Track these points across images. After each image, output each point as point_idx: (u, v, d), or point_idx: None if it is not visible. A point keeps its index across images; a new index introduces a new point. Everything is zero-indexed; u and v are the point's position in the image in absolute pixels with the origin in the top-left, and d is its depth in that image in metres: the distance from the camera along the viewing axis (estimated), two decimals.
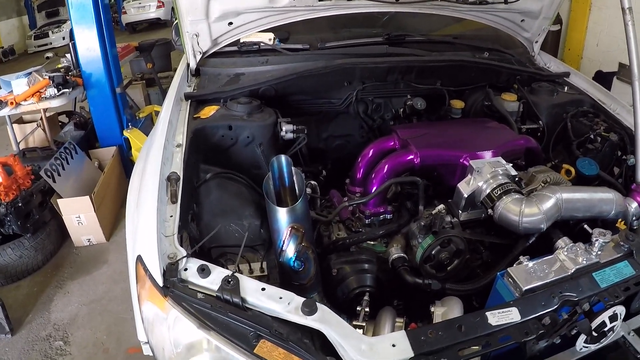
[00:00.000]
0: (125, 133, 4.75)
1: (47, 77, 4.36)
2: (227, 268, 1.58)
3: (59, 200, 4.01)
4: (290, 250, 1.47)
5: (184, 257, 1.40)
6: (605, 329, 1.51)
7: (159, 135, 1.94)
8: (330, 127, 2.79)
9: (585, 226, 1.82)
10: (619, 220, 1.92)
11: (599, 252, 1.59)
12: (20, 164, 3.90)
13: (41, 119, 4.83)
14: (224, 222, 1.99)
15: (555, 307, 1.44)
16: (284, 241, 1.46)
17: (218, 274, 1.36)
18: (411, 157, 2.00)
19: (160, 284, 1.35)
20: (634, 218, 1.93)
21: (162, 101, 6.35)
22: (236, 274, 1.33)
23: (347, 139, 2.81)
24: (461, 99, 2.75)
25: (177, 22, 2.64)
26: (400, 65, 2.59)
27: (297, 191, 1.61)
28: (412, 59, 2.63)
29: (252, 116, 2.23)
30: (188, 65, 2.65)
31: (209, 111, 2.26)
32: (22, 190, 3.85)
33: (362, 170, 2.19)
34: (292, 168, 1.59)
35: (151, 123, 5.74)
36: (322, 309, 1.27)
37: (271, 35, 2.72)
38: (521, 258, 1.61)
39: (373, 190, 1.99)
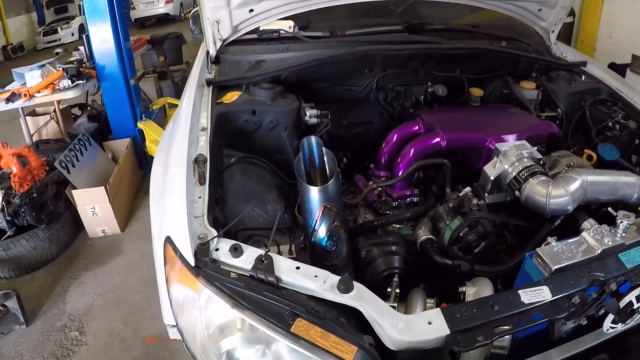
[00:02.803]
0: (139, 125, 4.76)
1: (61, 69, 4.36)
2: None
3: (73, 191, 4.02)
4: (322, 229, 1.46)
5: (215, 237, 1.39)
6: (634, 308, 1.51)
7: (184, 119, 1.94)
8: (351, 115, 2.79)
9: (609, 209, 1.80)
10: None
11: (624, 234, 1.60)
12: (34, 154, 3.91)
13: (54, 111, 4.84)
14: (247, 207, 1.99)
15: (585, 286, 1.44)
16: (316, 221, 1.45)
17: (251, 253, 1.35)
18: (437, 140, 2.00)
19: (192, 264, 1.34)
20: None
21: (175, 94, 6.38)
22: (270, 253, 1.32)
23: (367, 126, 2.81)
24: (480, 87, 2.74)
25: (195, 11, 2.64)
26: (421, 52, 2.59)
27: (327, 172, 1.60)
28: (433, 47, 2.62)
29: (276, 101, 2.23)
30: (208, 53, 2.64)
31: (231, 96, 2.26)
32: (36, 181, 3.86)
33: (386, 154, 2.19)
34: (323, 148, 1.58)
35: (164, 115, 5.77)
36: (358, 287, 1.27)
37: (291, 23, 2.71)
38: (549, 239, 1.62)
39: (400, 174, 1.99)
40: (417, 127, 2.18)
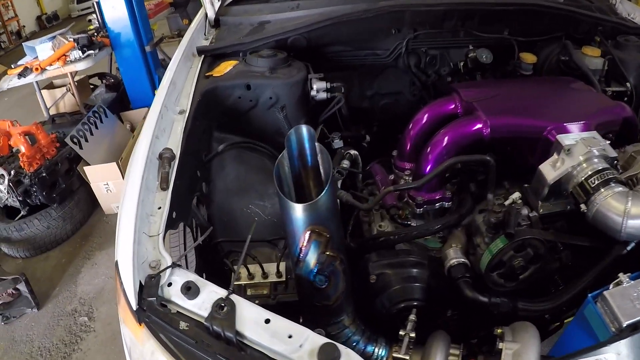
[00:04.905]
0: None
1: (72, 40, 4.11)
2: (232, 272, 1.23)
3: (85, 168, 3.82)
4: (310, 260, 1.08)
5: (169, 267, 1.04)
6: None
7: (157, 101, 1.58)
8: (376, 84, 2.37)
9: None
10: None
11: None
12: (44, 132, 3.73)
13: (70, 83, 4.62)
14: (241, 203, 1.68)
15: None
16: (301, 248, 1.07)
17: (209, 295, 1.00)
18: (479, 126, 1.54)
19: (134, 306, 1.01)
20: None
21: None
22: (232, 296, 0.97)
23: (396, 97, 2.40)
24: (532, 52, 2.23)
25: None
26: (459, 8, 2.12)
27: (322, 175, 1.21)
28: (475, 1, 2.15)
29: (276, 72, 1.84)
30: (206, 15, 2.26)
31: (224, 67, 1.88)
32: (46, 160, 3.68)
33: (413, 140, 1.75)
34: (317, 144, 1.18)
35: None
36: (348, 357, 0.88)
37: None
38: (620, 276, 1.19)
39: (428, 170, 1.56)
40: (453, 106, 1.72)
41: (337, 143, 1.97)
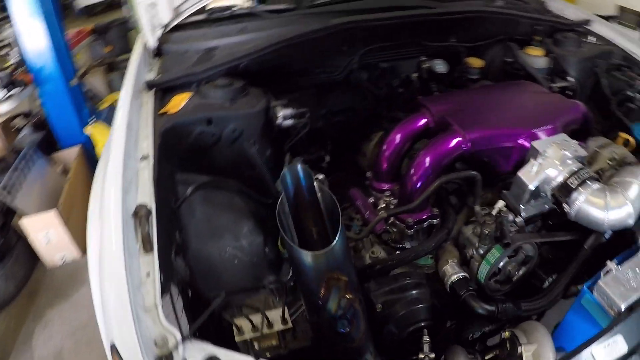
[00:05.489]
0: (87, 129, 4.20)
1: None
2: (237, 328, 1.17)
3: (23, 219, 3.51)
4: (331, 307, 1.04)
5: (180, 342, 0.96)
6: None
7: (116, 148, 1.45)
8: (329, 102, 2.33)
9: None
10: None
11: None
12: None
13: None
14: (217, 248, 1.58)
15: None
16: (321, 298, 1.03)
17: None
18: (459, 141, 1.56)
19: None
20: None
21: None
22: None
23: (350, 113, 2.37)
24: (477, 57, 2.32)
25: None
26: (409, 21, 2.14)
27: (322, 211, 1.17)
28: (424, 12, 2.18)
29: (236, 102, 1.75)
30: (146, 45, 2.13)
31: (178, 102, 1.75)
32: None
33: (389, 160, 1.75)
34: (316, 183, 1.14)
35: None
36: None
37: None
38: (608, 264, 1.30)
39: (416, 191, 1.56)
40: (424, 121, 1.74)
41: None
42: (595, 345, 1.10)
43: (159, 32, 2.07)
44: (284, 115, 1.81)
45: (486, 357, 1.31)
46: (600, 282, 1.25)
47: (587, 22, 2.43)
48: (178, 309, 1.11)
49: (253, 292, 1.47)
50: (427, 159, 1.56)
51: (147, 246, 1.16)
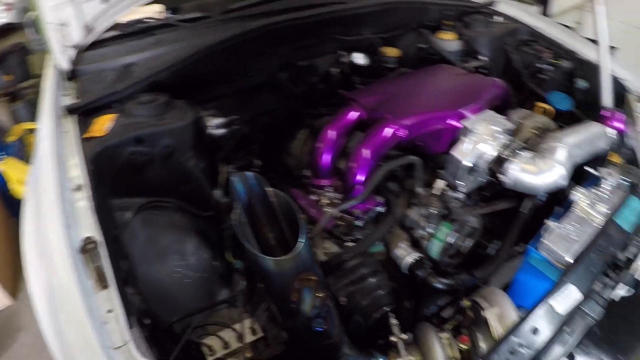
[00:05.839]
0: None
1: None
2: (208, 348, 1.13)
3: None
4: (305, 308, 1.03)
5: None
6: None
7: (47, 182, 1.34)
8: (252, 106, 2.29)
9: (588, 168, 1.60)
10: (611, 153, 1.74)
11: (608, 194, 1.50)
12: None
13: None
14: (165, 270, 1.53)
15: (604, 269, 1.31)
16: (294, 301, 1.02)
17: None
18: (394, 130, 1.60)
19: None
20: (624, 149, 1.79)
21: (32, 116, 5.26)
22: None
23: (273, 115, 2.35)
24: (393, 46, 2.40)
25: (32, 15, 1.95)
26: (326, 17, 2.18)
27: (279, 216, 1.16)
28: (338, 8, 2.22)
29: (164, 117, 1.66)
30: (58, 68, 1.98)
31: (103, 124, 1.64)
32: None
33: (325, 157, 1.75)
34: (268, 189, 1.13)
35: (25, 145, 4.74)
36: None
37: (159, 6, 2.13)
38: (547, 222, 1.42)
39: (360, 182, 1.58)
40: (355, 115, 1.77)
41: None
42: (552, 297, 1.18)
43: (71, 53, 1.93)
44: (215, 124, 1.77)
45: (451, 328, 1.37)
46: (544, 240, 1.36)
47: (491, 2, 2.60)
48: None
49: (214, 308, 1.42)
50: (367, 151, 1.59)
51: (102, 282, 1.08)
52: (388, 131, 1.60)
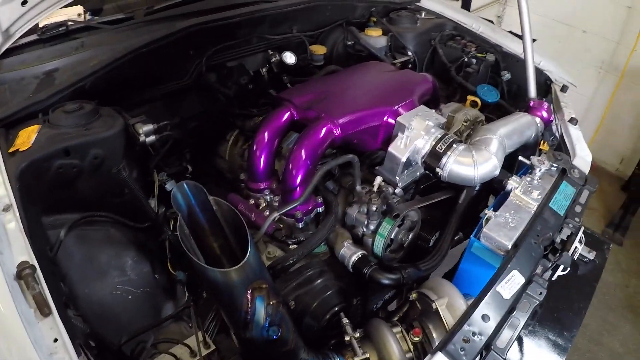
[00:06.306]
0: None
1: None
2: None
3: None
4: (259, 317, 1.01)
5: None
6: (578, 253, 1.52)
7: None
8: (181, 109, 2.21)
9: (521, 157, 1.68)
10: (542, 141, 1.86)
11: (540, 180, 1.58)
12: None
13: None
14: (106, 288, 1.46)
15: (544, 253, 1.39)
16: (246, 311, 0.99)
17: None
18: (329, 129, 1.61)
19: None
20: (551, 136, 1.90)
21: None
22: None
23: (203, 118, 2.28)
24: (319, 44, 2.42)
25: None
26: (251, 17, 2.15)
27: (223, 225, 1.13)
28: (264, 7, 2.19)
29: (91, 126, 1.57)
30: None
31: (27, 136, 1.51)
32: None
33: (261, 159, 1.73)
34: (211, 197, 1.09)
35: None
36: None
37: (80, 9, 2.00)
38: (487, 212, 1.48)
39: (297, 185, 1.57)
40: (288, 115, 1.75)
41: (171, 184, 1.86)
42: (497, 283, 1.23)
43: None
44: (145, 131, 1.69)
45: (397, 320, 1.40)
46: (485, 230, 1.42)
47: None
48: None
49: (161, 325, 1.37)
50: (303, 152, 1.58)
51: (44, 309, 0.99)
52: (322, 130, 1.60)
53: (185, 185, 1.11)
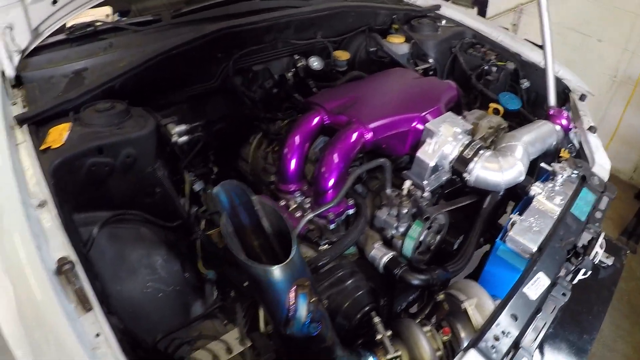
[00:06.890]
0: None
1: None
2: None
3: None
4: (301, 314, 1.05)
5: None
6: (600, 258, 1.55)
7: (8, 200, 1.23)
8: (207, 112, 2.24)
9: (543, 164, 1.72)
10: (562, 149, 1.90)
11: (562, 187, 1.63)
12: None
13: None
14: (137, 286, 1.48)
15: (568, 256, 1.43)
16: (289, 308, 1.03)
17: None
18: (361, 133, 1.65)
19: None
20: (569, 144, 1.94)
21: None
22: None
23: (228, 120, 2.32)
24: (342, 49, 2.46)
25: None
26: (278, 22, 2.19)
27: (264, 226, 1.16)
28: (290, 13, 2.24)
29: (124, 126, 1.60)
30: (3, 74, 1.85)
31: (59, 134, 1.53)
32: None
33: (292, 162, 1.77)
34: (254, 197, 1.13)
35: None
36: None
37: (108, 9, 2.04)
38: (512, 217, 1.52)
39: (330, 187, 1.61)
40: (319, 119, 1.79)
41: (199, 185, 1.90)
42: (524, 285, 1.27)
43: (17, 58, 1.80)
44: (178, 132, 1.73)
45: (426, 319, 1.43)
46: (511, 234, 1.45)
47: (437, 7, 2.73)
48: None
49: (196, 322, 1.40)
50: (336, 155, 1.62)
51: (85, 304, 1.02)
52: (354, 134, 1.64)
53: (228, 184, 1.15)
